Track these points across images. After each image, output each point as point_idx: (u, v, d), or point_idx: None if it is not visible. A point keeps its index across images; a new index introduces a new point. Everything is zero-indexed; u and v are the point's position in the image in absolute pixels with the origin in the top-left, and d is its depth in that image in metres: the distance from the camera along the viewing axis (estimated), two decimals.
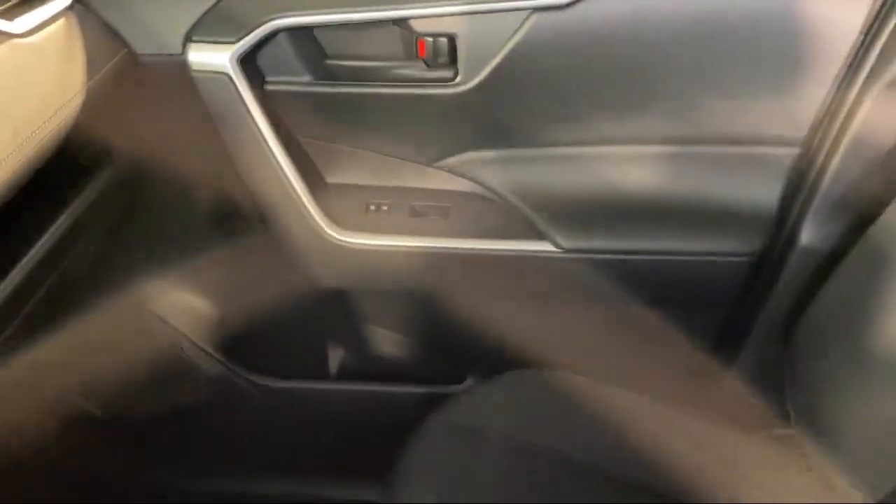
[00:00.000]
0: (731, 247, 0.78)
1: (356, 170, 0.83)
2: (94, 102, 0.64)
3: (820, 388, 0.71)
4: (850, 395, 0.68)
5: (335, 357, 0.96)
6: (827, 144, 0.73)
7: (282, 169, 0.76)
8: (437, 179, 0.83)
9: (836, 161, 0.72)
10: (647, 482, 0.72)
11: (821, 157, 0.73)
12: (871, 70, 0.68)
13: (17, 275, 0.61)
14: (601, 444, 0.75)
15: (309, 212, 0.78)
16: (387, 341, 0.94)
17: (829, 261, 0.74)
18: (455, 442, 0.73)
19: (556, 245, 0.79)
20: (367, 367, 0.96)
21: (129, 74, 0.70)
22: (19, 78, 0.56)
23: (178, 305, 0.90)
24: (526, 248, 0.79)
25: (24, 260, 0.62)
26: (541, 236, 0.79)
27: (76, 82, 0.61)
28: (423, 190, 0.83)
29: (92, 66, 0.64)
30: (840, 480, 0.71)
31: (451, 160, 0.82)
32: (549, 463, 0.72)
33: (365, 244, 0.79)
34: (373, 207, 0.82)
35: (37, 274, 0.63)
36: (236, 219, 0.82)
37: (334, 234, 0.79)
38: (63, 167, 0.64)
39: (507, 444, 0.73)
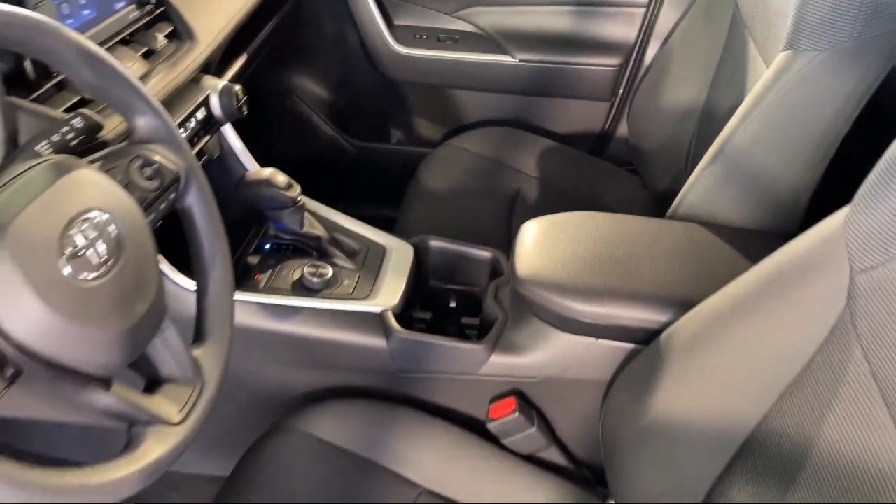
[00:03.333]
0: (604, 60, 1.46)
1: (409, 17, 1.52)
2: None
3: (637, 132, 1.40)
4: (649, 130, 1.35)
5: (393, 129, 1.66)
6: (654, 5, 1.40)
7: (373, 14, 1.46)
8: (453, 23, 1.52)
9: (661, 13, 1.40)
10: (559, 187, 1.41)
11: (651, 11, 1.40)
12: None
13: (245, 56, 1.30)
14: (535, 163, 1.45)
15: (385, 37, 1.48)
16: (419, 124, 1.65)
17: None
18: (444, 157, 1.44)
19: (513, 57, 1.47)
20: (410, 135, 1.67)
21: None
22: None
23: (309, 91, 1.61)
24: (497, 60, 1.48)
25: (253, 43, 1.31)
26: (505, 53, 1.48)
27: None
28: (444, 28, 1.52)
29: None
30: (645, 182, 1.41)
31: (460, 12, 1.51)
32: (505, 169, 1.42)
33: (413, 54, 1.48)
34: (417, 36, 1.50)
35: (251, 59, 1.32)
36: (347, 39, 1.52)
37: (399, 48, 1.48)
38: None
39: (479, 163, 1.43)
